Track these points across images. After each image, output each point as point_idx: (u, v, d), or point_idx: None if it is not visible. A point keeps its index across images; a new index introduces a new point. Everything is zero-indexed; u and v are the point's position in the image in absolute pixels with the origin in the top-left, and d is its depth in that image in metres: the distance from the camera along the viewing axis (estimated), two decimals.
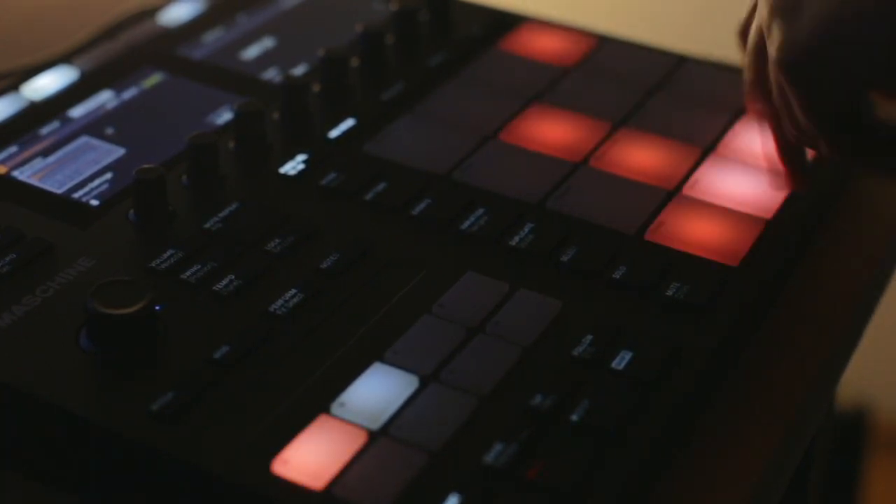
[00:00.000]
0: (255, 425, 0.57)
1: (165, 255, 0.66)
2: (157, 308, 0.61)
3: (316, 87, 0.80)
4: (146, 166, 0.69)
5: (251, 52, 0.86)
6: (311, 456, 0.56)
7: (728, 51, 0.81)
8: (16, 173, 0.73)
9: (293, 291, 0.64)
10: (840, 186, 0.79)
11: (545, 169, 0.75)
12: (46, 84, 0.81)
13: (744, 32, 0.70)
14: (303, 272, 0.66)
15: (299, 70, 0.84)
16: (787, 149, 0.71)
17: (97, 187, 0.72)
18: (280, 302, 0.64)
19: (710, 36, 1.27)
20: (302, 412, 0.58)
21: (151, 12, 0.90)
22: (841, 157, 0.64)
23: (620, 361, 0.61)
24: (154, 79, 0.83)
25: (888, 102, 0.62)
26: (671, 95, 0.82)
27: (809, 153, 0.73)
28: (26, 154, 0.75)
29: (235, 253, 0.67)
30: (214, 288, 0.64)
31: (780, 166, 0.72)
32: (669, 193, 0.73)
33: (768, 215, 0.71)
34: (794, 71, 0.60)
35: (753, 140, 0.77)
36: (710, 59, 0.86)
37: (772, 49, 0.61)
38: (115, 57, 0.85)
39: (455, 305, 0.64)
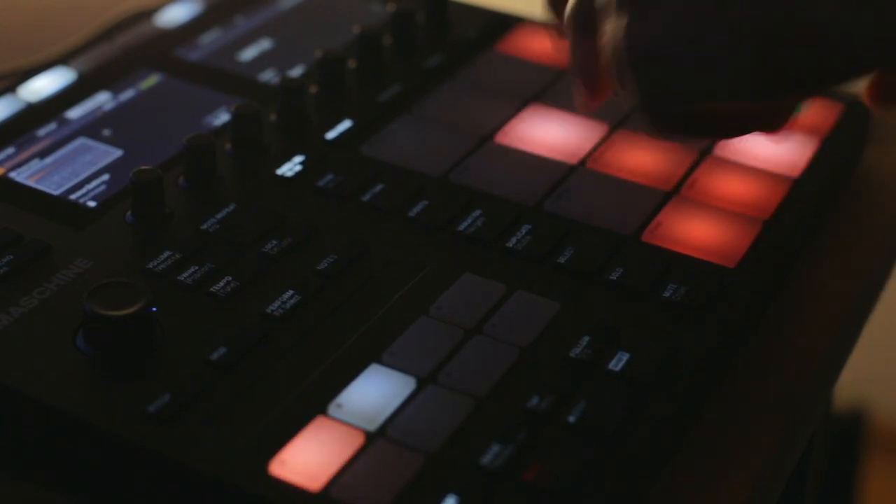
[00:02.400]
0: (252, 426, 0.57)
1: (162, 257, 0.66)
2: (154, 309, 0.61)
3: (313, 89, 0.80)
4: (143, 168, 0.69)
5: (248, 53, 0.86)
6: (308, 457, 0.56)
7: None
8: (13, 175, 0.73)
9: (290, 293, 0.64)
10: (838, 188, 0.79)
11: (542, 170, 0.75)
12: (43, 85, 0.81)
13: None
14: (300, 273, 0.66)
15: (296, 71, 0.84)
16: (590, 79, 0.67)
17: (94, 189, 0.72)
18: (277, 303, 0.64)
19: None
20: (299, 413, 0.58)
21: (148, 14, 0.90)
22: (650, 131, 0.63)
23: (618, 363, 0.61)
24: (151, 80, 0.83)
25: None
26: None
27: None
28: (23, 155, 0.75)
29: (232, 254, 0.67)
30: (211, 289, 0.64)
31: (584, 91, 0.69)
32: (667, 195, 0.73)
33: (766, 216, 0.71)
34: (639, 61, 0.58)
35: (751, 142, 0.77)
36: None
37: (618, 27, 0.59)
38: (112, 58, 0.85)
39: (452, 307, 0.64)
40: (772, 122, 0.63)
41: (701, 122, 0.62)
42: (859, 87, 0.75)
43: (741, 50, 0.56)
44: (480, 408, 0.58)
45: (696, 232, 0.70)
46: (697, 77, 0.57)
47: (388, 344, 0.62)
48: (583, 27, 0.64)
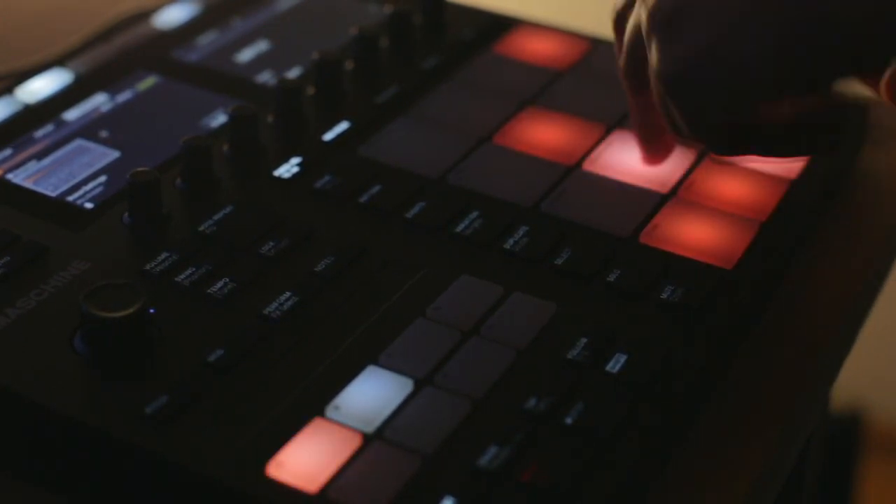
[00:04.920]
0: (249, 428, 0.57)
1: (160, 258, 0.66)
2: (151, 311, 0.61)
3: (310, 90, 0.80)
4: (140, 169, 0.69)
5: (245, 55, 0.86)
6: (305, 459, 0.56)
7: None
8: (10, 176, 0.73)
9: (287, 294, 0.64)
10: (834, 189, 0.79)
11: (539, 172, 0.75)
12: (41, 87, 0.81)
13: (618, 20, 0.71)
14: (297, 275, 0.66)
15: (293, 73, 0.84)
16: (648, 131, 0.73)
17: (91, 190, 0.72)
18: (274, 305, 0.64)
19: None
20: (296, 415, 0.58)
21: (146, 15, 0.90)
22: (713, 151, 0.69)
23: (615, 364, 0.61)
24: (148, 82, 0.83)
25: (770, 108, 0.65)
26: None
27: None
28: (21, 157, 0.75)
29: (230, 256, 0.67)
30: (209, 291, 0.64)
31: (642, 145, 0.74)
32: (664, 196, 0.73)
33: (763, 218, 0.71)
34: (674, 86, 0.62)
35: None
36: None
37: (652, 59, 0.63)
38: (109, 60, 0.85)
39: (449, 308, 0.64)
40: (818, 139, 0.67)
41: (754, 136, 0.65)
42: (855, 85, 0.75)
43: (766, 52, 0.59)
44: (478, 409, 0.58)
45: (693, 233, 0.70)
46: (730, 87, 0.60)
47: (386, 345, 0.62)
48: (637, 85, 0.68)
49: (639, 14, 0.65)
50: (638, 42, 0.66)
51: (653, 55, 0.63)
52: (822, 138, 0.67)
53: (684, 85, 0.62)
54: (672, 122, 0.65)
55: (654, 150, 0.74)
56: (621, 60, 0.69)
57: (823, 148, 0.68)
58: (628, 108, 0.73)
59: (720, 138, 0.65)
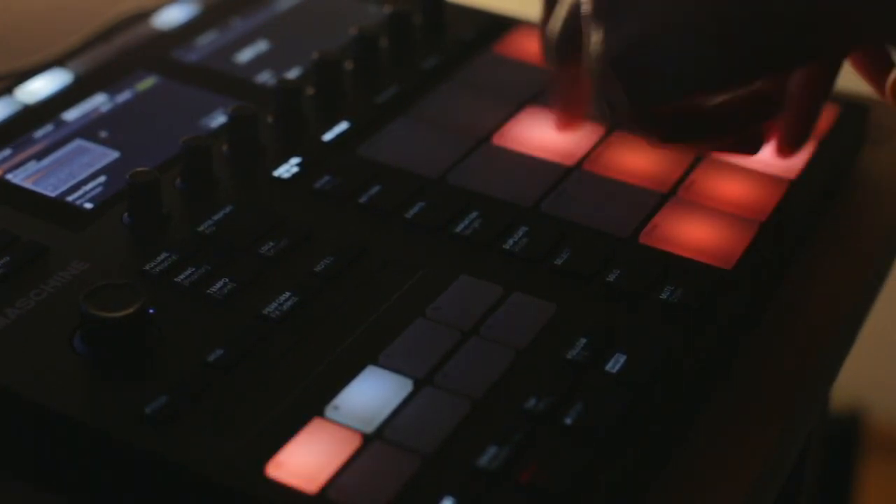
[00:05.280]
0: (249, 428, 0.57)
1: (159, 259, 0.66)
2: (150, 311, 0.61)
3: (310, 91, 0.80)
4: (140, 169, 0.69)
5: (245, 55, 0.86)
6: (305, 459, 0.56)
7: None
8: (9, 176, 0.73)
9: (287, 294, 0.64)
10: (834, 189, 0.79)
11: (539, 172, 0.75)
12: (40, 87, 0.81)
13: None
14: (297, 275, 0.66)
15: (293, 73, 0.84)
16: (568, 104, 0.73)
17: (91, 190, 0.72)
18: (274, 305, 0.64)
19: None
20: (296, 415, 0.58)
21: (145, 15, 0.90)
22: (649, 138, 0.66)
23: (614, 364, 0.61)
24: (148, 82, 0.83)
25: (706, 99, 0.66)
26: None
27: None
28: (20, 157, 0.75)
29: (229, 256, 0.67)
30: (208, 291, 0.64)
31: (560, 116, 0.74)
32: (664, 196, 0.73)
33: (762, 218, 0.71)
34: (619, 67, 0.62)
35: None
36: None
37: (595, 40, 0.63)
38: (108, 60, 0.85)
39: (449, 308, 0.64)
40: (749, 141, 0.68)
41: (688, 123, 0.65)
42: (857, 87, 0.75)
43: (706, 42, 0.59)
44: (477, 409, 0.58)
45: (692, 234, 0.70)
46: (670, 73, 0.60)
47: (385, 345, 0.62)
48: (566, 56, 0.68)
49: None
50: (575, 16, 0.66)
51: (596, 35, 0.62)
52: (753, 135, 0.68)
53: (626, 67, 0.61)
54: (608, 107, 0.64)
55: (569, 122, 0.74)
56: (555, 35, 0.68)
57: (752, 145, 0.69)
58: (549, 81, 0.73)
59: (658, 124, 0.65)
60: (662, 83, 0.61)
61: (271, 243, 0.68)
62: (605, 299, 0.65)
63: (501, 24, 0.90)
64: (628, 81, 0.62)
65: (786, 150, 0.73)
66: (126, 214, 0.69)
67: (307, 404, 0.58)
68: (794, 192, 0.74)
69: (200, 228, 0.68)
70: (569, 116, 0.74)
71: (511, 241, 0.69)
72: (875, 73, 0.71)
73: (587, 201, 0.72)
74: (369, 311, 0.64)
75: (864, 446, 1.64)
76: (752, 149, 0.69)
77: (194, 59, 0.85)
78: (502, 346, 0.62)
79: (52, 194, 0.72)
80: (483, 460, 0.56)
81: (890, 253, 0.78)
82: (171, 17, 0.90)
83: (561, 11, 0.68)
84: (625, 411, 0.58)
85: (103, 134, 0.77)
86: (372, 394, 0.59)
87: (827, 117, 0.80)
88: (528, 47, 0.87)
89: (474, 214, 0.70)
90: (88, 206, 0.71)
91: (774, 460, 0.64)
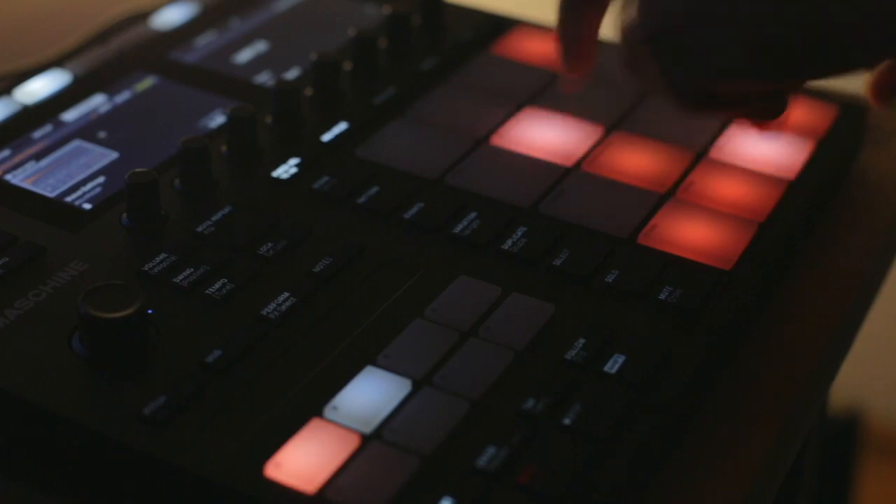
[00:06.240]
0: (247, 429, 0.57)
1: (158, 259, 0.66)
2: (149, 312, 0.61)
3: (308, 91, 0.80)
4: (139, 170, 0.69)
5: (244, 55, 0.86)
6: (303, 459, 0.56)
7: None
8: (8, 177, 0.73)
9: (285, 295, 0.64)
10: (833, 190, 0.79)
11: (538, 173, 0.75)
12: (39, 88, 0.81)
13: None
14: (295, 276, 0.66)
15: (292, 74, 0.84)
16: (577, 43, 0.71)
17: (90, 191, 0.72)
18: (272, 305, 0.64)
19: None
20: (294, 416, 0.58)
21: (144, 16, 0.90)
22: (677, 107, 0.65)
23: (613, 365, 0.61)
24: (146, 83, 0.83)
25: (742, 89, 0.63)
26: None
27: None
28: (19, 158, 0.75)
29: (228, 256, 0.67)
30: (207, 292, 0.64)
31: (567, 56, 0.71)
32: (662, 197, 0.73)
33: (761, 219, 0.71)
34: (653, 43, 0.60)
35: (747, 143, 0.77)
36: None
37: (629, 12, 0.61)
38: (107, 61, 0.85)
39: (447, 309, 0.64)
40: (771, 108, 0.66)
41: (722, 101, 0.64)
42: (856, 88, 0.75)
43: (755, 31, 0.58)
44: (476, 410, 0.58)
45: (691, 234, 0.70)
46: (712, 56, 0.59)
47: (384, 346, 0.62)
48: (580, 17, 0.67)
49: None
50: None
51: (631, 7, 0.61)
52: (777, 106, 0.66)
53: (668, 39, 0.60)
54: (636, 75, 0.63)
55: (577, 66, 0.71)
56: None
57: (773, 116, 0.67)
58: (559, 18, 0.70)
59: (690, 97, 0.63)
60: (703, 64, 0.60)
61: (270, 244, 0.68)
62: (604, 300, 0.65)
63: (500, 25, 0.90)
64: (665, 58, 0.60)
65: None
66: (125, 215, 0.69)
67: (306, 405, 0.58)
68: (793, 192, 0.74)
69: (199, 229, 0.68)
70: (572, 61, 0.71)
71: (510, 242, 0.69)
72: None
73: (586, 202, 0.72)
74: (368, 312, 0.64)
75: (862, 447, 1.64)
76: (775, 115, 0.67)
77: (193, 60, 0.85)
78: (501, 347, 0.62)
79: (51, 195, 0.72)
80: (482, 461, 0.56)
81: (889, 253, 0.78)
82: (169, 17, 0.90)
83: None
84: (623, 412, 0.58)
85: (102, 134, 0.77)
86: (370, 394, 0.59)
87: (826, 118, 0.80)
88: (526, 48, 0.87)
89: (473, 215, 0.70)
90: (87, 206, 0.71)
91: (773, 461, 0.64)
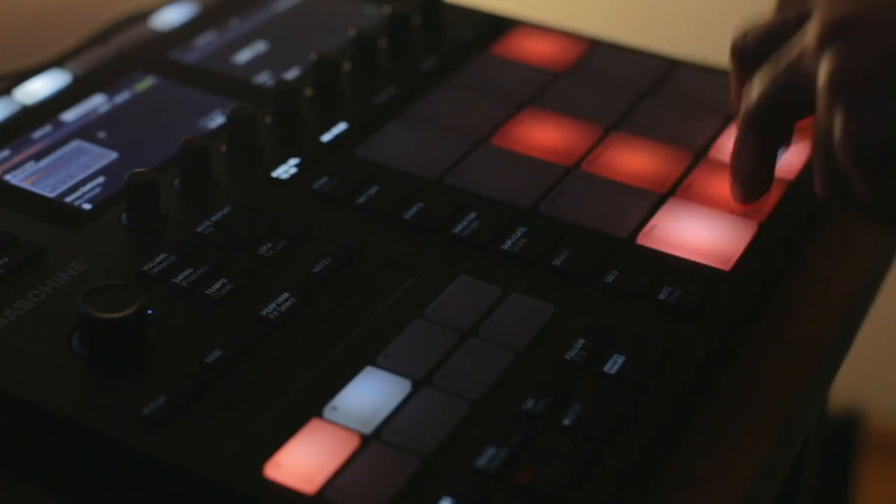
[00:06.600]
0: (247, 429, 0.57)
1: (157, 259, 0.66)
2: (148, 312, 0.61)
3: (308, 92, 0.80)
4: (138, 170, 0.69)
5: (243, 56, 0.86)
6: (303, 460, 0.56)
7: (721, 55, 0.81)
8: (8, 177, 0.73)
9: (285, 295, 0.64)
10: None
11: (537, 173, 0.75)
12: (39, 88, 0.81)
13: (744, 53, 0.68)
14: (295, 276, 0.66)
15: (291, 74, 0.84)
16: (762, 168, 0.68)
17: (89, 191, 0.72)
18: (272, 306, 0.64)
19: (703, 40, 1.27)
20: (294, 416, 0.58)
21: (143, 16, 0.90)
22: (872, 198, 0.59)
23: (612, 365, 0.61)
24: (146, 83, 0.83)
25: None
26: (664, 99, 0.82)
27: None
28: (18, 158, 0.75)
29: (227, 257, 0.67)
30: (206, 292, 0.64)
31: (744, 179, 0.69)
32: (661, 197, 0.73)
33: (761, 219, 0.71)
34: (865, 157, 0.56)
35: None
36: (702, 63, 0.86)
37: (826, 67, 0.58)
38: (107, 61, 0.85)
39: (447, 309, 0.64)
40: None
41: None
42: None
43: None
44: (476, 410, 0.58)
45: (690, 234, 0.70)
46: None
47: (384, 346, 0.62)
48: (759, 129, 0.64)
49: (804, 63, 0.60)
50: (785, 89, 0.61)
51: (828, 63, 0.57)
52: None
53: (862, 92, 0.55)
54: (836, 191, 0.59)
55: (751, 196, 0.69)
56: (753, 105, 0.64)
57: None
58: (734, 144, 0.68)
59: (883, 174, 0.58)
60: None
61: (269, 244, 0.68)
62: (604, 300, 0.65)
63: (500, 25, 0.90)
64: (879, 174, 0.56)
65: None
66: (124, 215, 0.69)
67: (305, 405, 0.58)
68: (793, 193, 0.74)
69: (199, 229, 0.68)
70: (746, 191, 0.69)
71: (509, 242, 0.69)
72: None
73: (585, 202, 0.72)
74: (368, 312, 0.64)
75: (862, 447, 1.64)
76: None
77: (193, 60, 0.85)
78: (501, 347, 0.62)
79: (51, 195, 0.72)
80: (482, 461, 0.56)
81: (888, 253, 0.78)
82: (169, 17, 0.90)
83: (764, 79, 0.64)
84: (623, 412, 0.59)
85: (102, 135, 0.77)
86: (370, 394, 0.59)
87: None
88: (526, 48, 0.87)
89: (473, 215, 0.70)
90: (87, 206, 0.71)
91: (773, 461, 0.64)
